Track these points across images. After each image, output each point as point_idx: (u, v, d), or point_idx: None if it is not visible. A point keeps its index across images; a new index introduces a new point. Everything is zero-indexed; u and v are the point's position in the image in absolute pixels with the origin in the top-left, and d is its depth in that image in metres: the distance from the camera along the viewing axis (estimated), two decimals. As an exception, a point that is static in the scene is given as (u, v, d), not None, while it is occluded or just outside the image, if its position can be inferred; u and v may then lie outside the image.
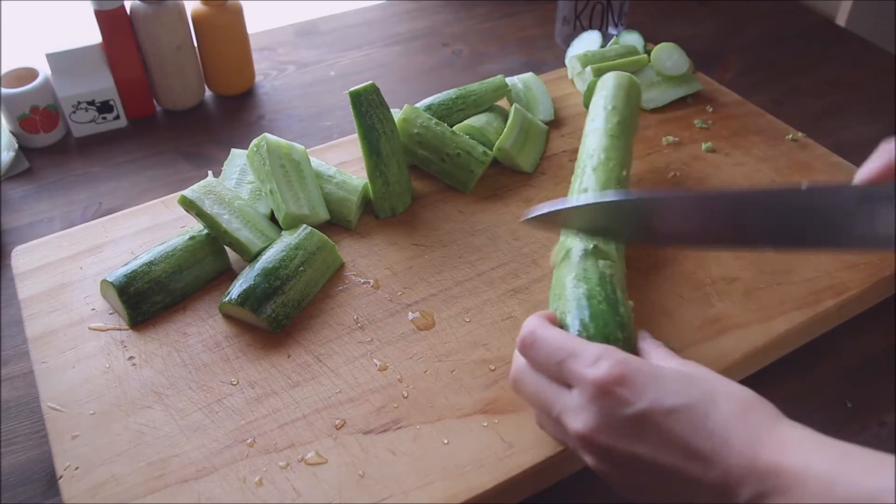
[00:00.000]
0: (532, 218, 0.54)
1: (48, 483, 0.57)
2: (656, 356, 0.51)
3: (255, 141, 0.70)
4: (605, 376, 0.44)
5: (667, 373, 0.45)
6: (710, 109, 0.87)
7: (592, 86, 0.84)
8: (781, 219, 0.47)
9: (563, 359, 0.46)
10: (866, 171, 0.50)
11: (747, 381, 0.63)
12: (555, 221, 0.53)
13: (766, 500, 0.40)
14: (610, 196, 0.53)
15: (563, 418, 0.46)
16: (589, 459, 0.46)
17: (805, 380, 0.65)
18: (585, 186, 0.64)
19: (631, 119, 0.70)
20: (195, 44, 0.92)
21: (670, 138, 0.82)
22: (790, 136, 0.83)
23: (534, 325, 0.49)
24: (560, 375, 0.47)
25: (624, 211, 0.50)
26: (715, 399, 0.44)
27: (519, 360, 0.51)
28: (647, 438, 0.43)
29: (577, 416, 0.45)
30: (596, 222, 0.52)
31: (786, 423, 0.43)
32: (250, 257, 0.65)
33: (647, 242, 0.63)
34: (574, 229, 0.55)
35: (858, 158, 0.81)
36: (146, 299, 0.62)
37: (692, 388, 0.44)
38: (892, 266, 0.67)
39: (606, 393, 0.44)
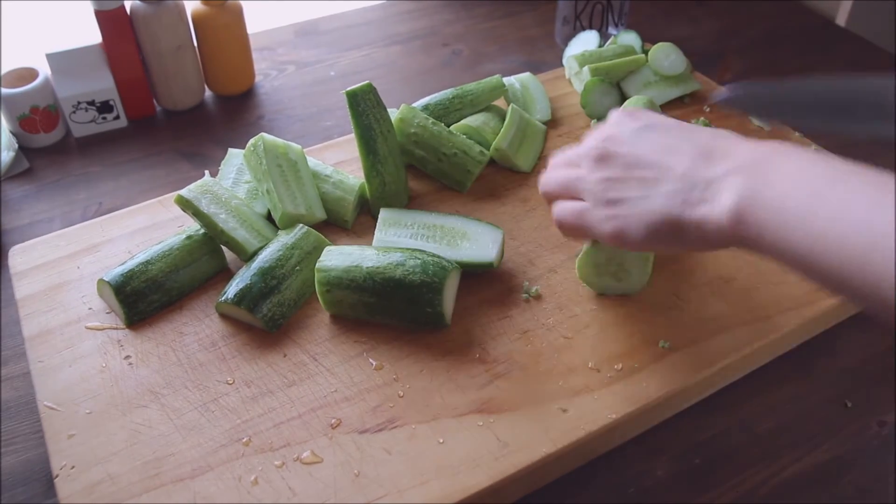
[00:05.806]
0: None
1: (48, 483, 0.57)
2: None
3: (251, 140, 0.70)
4: (622, 110, 0.56)
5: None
6: (708, 109, 0.87)
7: (590, 86, 0.84)
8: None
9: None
10: None
11: (746, 381, 0.63)
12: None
13: (753, 200, 0.43)
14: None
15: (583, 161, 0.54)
16: (591, 177, 0.53)
17: (805, 380, 0.65)
18: None
19: None
20: (195, 44, 0.93)
21: (669, 138, 0.82)
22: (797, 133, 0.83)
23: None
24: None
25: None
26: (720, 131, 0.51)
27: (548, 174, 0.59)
28: (650, 135, 0.52)
29: (592, 139, 0.54)
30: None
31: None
32: (247, 257, 0.65)
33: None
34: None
35: (857, 159, 0.81)
36: (143, 298, 0.62)
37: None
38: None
39: (622, 119, 0.54)
